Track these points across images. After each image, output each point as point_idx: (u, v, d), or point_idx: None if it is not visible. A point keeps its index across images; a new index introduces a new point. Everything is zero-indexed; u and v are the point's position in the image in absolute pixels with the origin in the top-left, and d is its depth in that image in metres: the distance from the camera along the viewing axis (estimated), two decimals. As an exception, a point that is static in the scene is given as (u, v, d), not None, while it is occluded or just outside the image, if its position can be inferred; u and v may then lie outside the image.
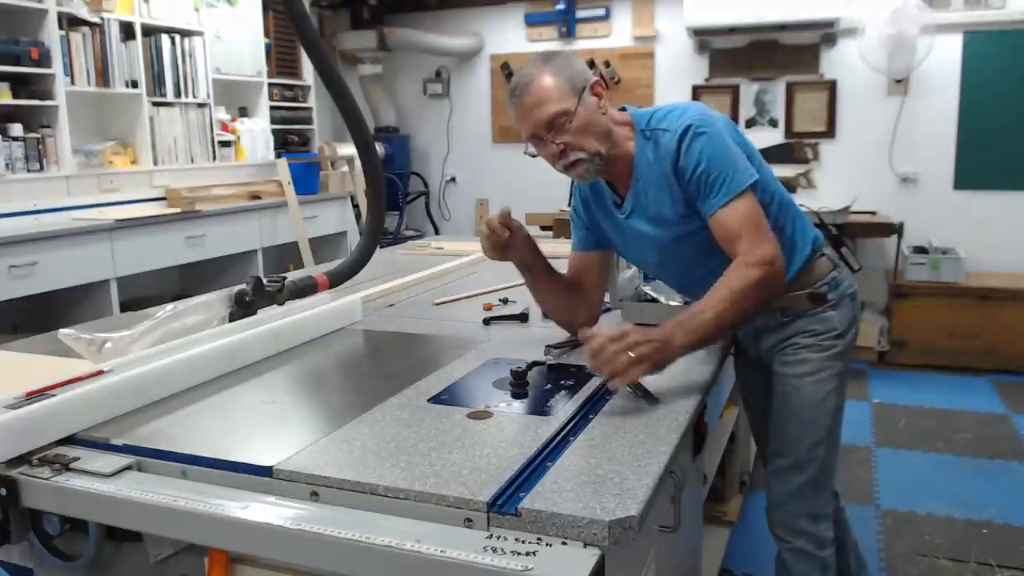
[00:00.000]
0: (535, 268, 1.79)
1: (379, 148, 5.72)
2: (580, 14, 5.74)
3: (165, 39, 4.62)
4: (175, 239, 4.31)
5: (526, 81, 1.58)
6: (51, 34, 3.95)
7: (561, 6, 5.70)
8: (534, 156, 1.66)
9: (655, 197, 1.65)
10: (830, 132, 5.29)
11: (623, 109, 1.71)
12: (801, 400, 1.74)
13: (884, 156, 5.18)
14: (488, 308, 2.18)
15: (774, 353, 1.80)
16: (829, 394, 1.74)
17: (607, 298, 1.99)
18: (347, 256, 2.21)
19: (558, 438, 1.23)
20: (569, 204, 1.87)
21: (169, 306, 1.73)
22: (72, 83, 4.10)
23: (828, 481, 1.81)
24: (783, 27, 5.04)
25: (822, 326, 1.74)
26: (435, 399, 1.42)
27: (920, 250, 4.94)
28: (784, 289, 1.62)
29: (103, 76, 4.28)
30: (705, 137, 1.58)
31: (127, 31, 4.42)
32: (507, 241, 1.71)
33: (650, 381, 1.47)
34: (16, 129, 3.90)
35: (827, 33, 5.13)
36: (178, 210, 4.41)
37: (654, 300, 2.01)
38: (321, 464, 1.13)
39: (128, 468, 1.18)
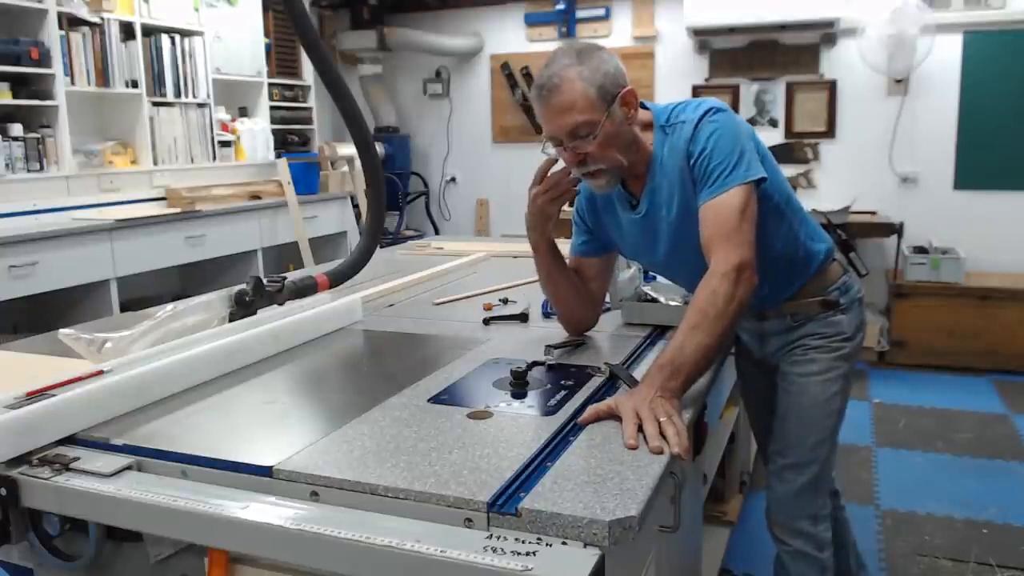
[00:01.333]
0: (555, 252, 1.74)
1: (379, 148, 5.72)
2: (580, 14, 5.74)
3: (165, 39, 4.62)
4: (175, 239, 4.31)
5: (555, 82, 1.48)
6: (51, 34, 3.95)
7: (561, 6, 5.70)
8: (549, 155, 1.61)
9: (671, 192, 1.60)
10: (830, 132, 5.29)
11: (642, 105, 1.64)
12: (807, 399, 1.74)
13: (884, 156, 5.18)
14: (488, 308, 2.18)
15: (781, 355, 1.80)
16: (835, 395, 1.74)
17: (607, 298, 1.99)
18: (347, 256, 2.21)
19: (558, 438, 1.23)
20: (570, 204, 1.85)
21: (169, 306, 1.73)
22: (72, 83, 4.10)
23: (827, 483, 1.82)
24: (783, 27, 5.03)
25: (831, 329, 1.74)
26: (435, 399, 1.42)
27: (920, 250, 4.94)
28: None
29: (103, 76, 4.28)
30: (717, 124, 1.53)
31: (127, 31, 4.42)
32: (558, 202, 1.64)
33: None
34: (16, 129, 3.90)
35: (827, 33, 5.13)
36: (178, 210, 4.41)
37: (654, 300, 2.01)
38: (321, 464, 1.13)
39: (128, 468, 1.18)
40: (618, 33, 5.71)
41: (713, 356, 1.45)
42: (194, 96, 4.84)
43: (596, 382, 1.50)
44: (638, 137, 1.59)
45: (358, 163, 5.18)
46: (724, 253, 1.46)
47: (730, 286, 1.43)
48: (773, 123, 5.41)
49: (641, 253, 1.80)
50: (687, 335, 1.40)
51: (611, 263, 1.87)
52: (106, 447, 1.25)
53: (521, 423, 1.31)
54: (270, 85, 5.39)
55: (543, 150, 1.61)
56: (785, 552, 1.79)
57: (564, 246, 1.90)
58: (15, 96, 3.86)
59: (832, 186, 5.26)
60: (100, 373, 1.45)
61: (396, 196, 5.99)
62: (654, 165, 1.62)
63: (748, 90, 5.43)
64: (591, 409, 1.32)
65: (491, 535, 0.99)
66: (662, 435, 1.22)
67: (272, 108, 5.43)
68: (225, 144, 5.08)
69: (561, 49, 1.54)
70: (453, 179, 6.38)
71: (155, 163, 4.61)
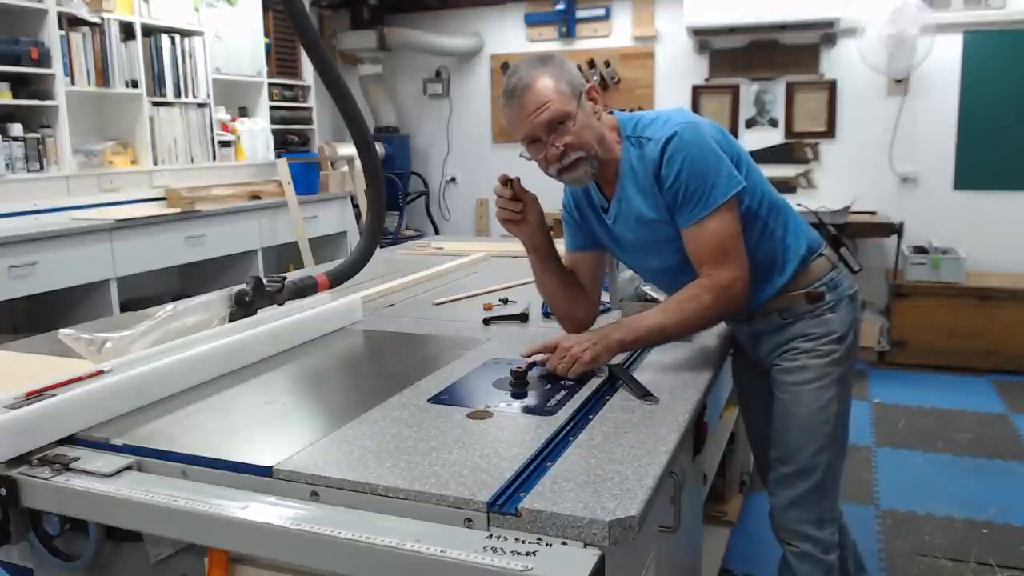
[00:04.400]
0: (542, 251, 1.78)
1: (379, 148, 5.71)
2: (580, 14, 5.74)
3: (165, 39, 4.62)
4: (175, 239, 4.31)
5: (525, 83, 1.56)
6: (51, 34, 3.95)
7: (561, 6, 5.70)
8: (529, 159, 1.66)
9: (638, 202, 1.65)
10: (830, 132, 5.29)
11: (609, 112, 1.71)
12: (802, 407, 1.73)
13: (884, 156, 5.18)
14: (488, 308, 2.18)
15: (773, 358, 1.79)
16: (830, 400, 1.72)
17: (607, 298, 1.99)
18: (347, 256, 2.21)
19: (558, 438, 1.24)
20: (565, 205, 1.87)
21: (169, 306, 1.73)
22: (72, 83, 4.10)
23: (834, 486, 1.80)
24: (783, 27, 5.03)
25: (821, 329, 1.73)
26: (435, 399, 1.42)
27: (920, 250, 4.94)
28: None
29: (103, 76, 4.28)
30: (688, 147, 1.57)
31: (127, 31, 4.41)
32: (520, 215, 1.71)
33: (650, 381, 1.47)
34: (16, 129, 3.90)
35: (827, 33, 5.13)
36: (178, 210, 4.41)
37: (654, 300, 2.01)
38: (321, 464, 1.14)
39: (128, 468, 1.18)
40: (618, 33, 5.71)
41: (663, 340, 1.67)
42: (194, 96, 4.84)
43: (596, 382, 1.50)
44: (606, 136, 1.65)
45: (358, 163, 5.18)
46: (717, 270, 1.58)
47: (711, 300, 1.58)
48: (773, 123, 5.41)
49: (620, 254, 1.85)
50: (655, 312, 1.63)
51: (604, 259, 1.89)
52: (106, 447, 1.25)
53: (521, 423, 1.31)
54: (270, 85, 5.39)
55: (521, 155, 1.67)
56: (791, 553, 1.79)
57: (560, 245, 1.91)
58: (15, 96, 3.86)
59: (832, 186, 5.25)
60: (100, 373, 1.45)
61: (396, 196, 5.99)
62: (623, 173, 1.67)
63: (748, 90, 5.43)
64: (540, 343, 1.58)
65: (491, 535, 0.99)
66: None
67: (272, 108, 5.43)
68: (225, 144, 5.08)
69: (522, 60, 1.63)
70: (453, 179, 6.38)
71: (155, 163, 4.61)
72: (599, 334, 1.57)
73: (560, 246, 1.85)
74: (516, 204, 1.71)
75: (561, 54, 1.70)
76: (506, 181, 1.70)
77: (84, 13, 4.12)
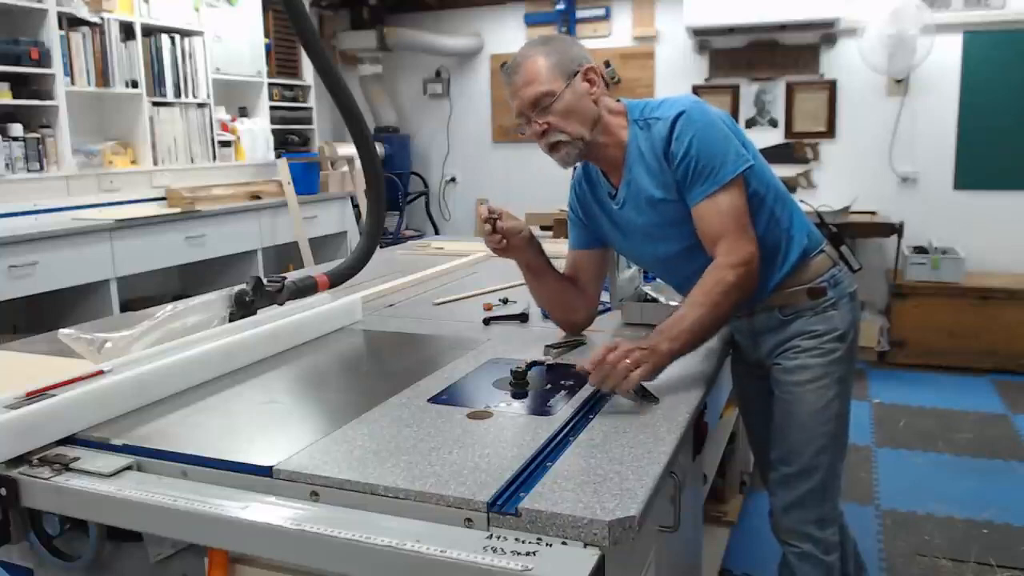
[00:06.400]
0: (536, 268, 1.80)
1: (379, 148, 5.72)
2: (580, 14, 5.74)
3: (165, 39, 4.62)
4: (175, 239, 4.31)
5: (519, 60, 1.63)
6: (51, 34, 3.95)
7: (561, 6, 5.70)
8: (523, 134, 1.68)
9: (646, 182, 1.65)
10: (830, 132, 5.29)
11: (617, 100, 1.72)
12: (803, 407, 1.72)
13: (884, 156, 5.18)
14: (488, 308, 2.18)
15: (774, 357, 1.78)
16: (831, 400, 1.72)
17: (607, 298, 1.99)
18: (347, 256, 2.21)
19: (558, 438, 1.23)
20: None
21: (169, 306, 1.73)
22: (72, 83, 4.10)
23: (835, 486, 1.79)
24: (783, 27, 5.04)
25: (823, 326, 1.72)
26: (435, 399, 1.42)
27: (920, 250, 4.94)
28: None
29: (103, 76, 4.28)
30: (697, 124, 1.58)
31: (127, 31, 4.42)
32: (506, 244, 1.73)
33: (650, 381, 1.47)
34: (16, 129, 3.90)
35: (827, 33, 5.13)
36: (178, 210, 4.41)
37: (654, 300, 2.01)
38: (321, 464, 1.13)
39: (128, 468, 1.18)
40: (618, 33, 5.71)
41: (707, 335, 1.56)
42: (194, 96, 4.84)
43: (596, 382, 1.50)
44: (606, 119, 1.66)
45: (358, 163, 5.18)
46: (734, 246, 1.56)
47: (736, 278, 1.54)
48: (773, 123, 5.41)
49: (624, 245, 1.83)
50: (689, 309, 1.53)
51: (607, 258, 1.89)
52: (106, 447, 1.25)
53: (521, 423, 1.31)
54: (270, 85, 5.40)
55: (518, 128, 1.69)
56: (792, 553, 1.78)
57: (564, 245, 1.91)
58: (15, 96, 3.86)
59: (832, 186, 5.26)
60: (100, 373, 1.45)
61: (396, 196, 5.99)
62: (630, 157, 1.67)
63: (748, 90, 5.44)
64: (589, 360, 1.41)
65: (491, 535, 0.99)
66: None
67: (272, 108, 5.43)
68: (225, 144, 5.09)
69: (530, 40, 1.69)
70: (453, 179, 6.38)
71: (155, 163, 4.62)
72: (649, 347, 1.43)
73: (555, 246, 1.86)
74: (496, 237, 1.72)
75: (571, 37, 1.72)
76: (488, 218, 1.72)
77: (84, 13, 4.12)
